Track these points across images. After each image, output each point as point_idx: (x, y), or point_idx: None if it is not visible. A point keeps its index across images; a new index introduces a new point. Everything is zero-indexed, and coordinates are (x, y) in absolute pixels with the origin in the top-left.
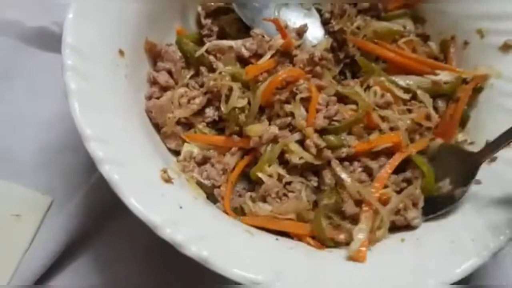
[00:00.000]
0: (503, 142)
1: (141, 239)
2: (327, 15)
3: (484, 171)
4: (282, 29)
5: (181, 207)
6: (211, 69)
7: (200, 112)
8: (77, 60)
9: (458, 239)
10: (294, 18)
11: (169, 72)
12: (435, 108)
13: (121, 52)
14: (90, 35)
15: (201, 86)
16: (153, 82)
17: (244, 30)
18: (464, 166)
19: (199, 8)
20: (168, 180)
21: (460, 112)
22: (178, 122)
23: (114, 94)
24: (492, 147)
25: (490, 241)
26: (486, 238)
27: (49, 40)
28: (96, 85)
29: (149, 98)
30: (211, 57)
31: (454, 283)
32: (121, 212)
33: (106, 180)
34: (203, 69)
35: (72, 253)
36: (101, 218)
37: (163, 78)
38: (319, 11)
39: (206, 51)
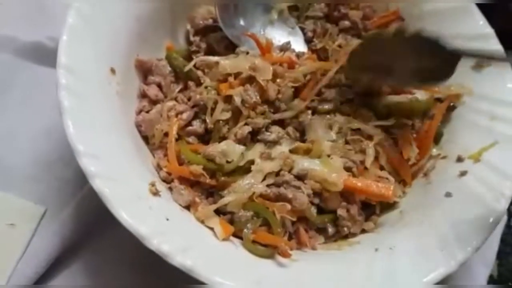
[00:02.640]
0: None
1: (130, 248)
2: (309, 34)
3: (455, 184)
4: (260, 44)
5: (167, 219)
6: (199, 84)
7: (187, 125)
8: (71, 79)
9: (428, 248)
10: (278, 36)
11: (159, 86)
12: (412, 125)
13: (112, 70)
14: (83, 55)
15: (189, 99)
16: (143, 96)
17: (231, 47)
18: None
19: (188, 26)
20: (156, 193)
21: (435, 129)
22: (166, 134)
23: (106, 111)
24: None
25: (458, 251)
26: (454, 249)
27: (44, 55)
28: (89, 103)
29: (139, 111)
30: (199, 72)
31: None
32: (112, 222)
33: (97, 193)
34: (191, 83)
35: (65, 261)
36: (92, 227)
37: (152, 91)
38: (302, 29)
39: (195, 66)
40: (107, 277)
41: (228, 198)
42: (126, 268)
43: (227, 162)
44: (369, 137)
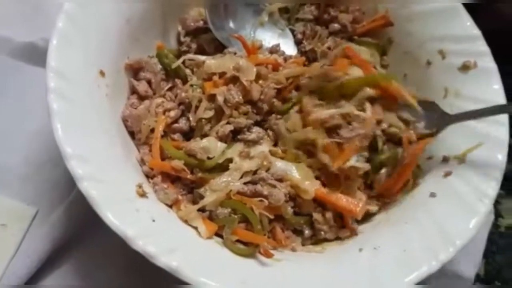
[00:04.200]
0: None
1: (120, 248)
2: (299, 36)
3: (440, 185)
4: (246, 46)
5: (153, 220)
6: (186, 82)
7: (173, 122)
8: (60, 82)
9: (411, 248)
10: (268, 38)
11: (149, 83)
12: None
13: (101, 73)
14: (72, 58)
15: (176, 97)
16: (133, 92)
17: (221, 49)
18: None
19: (179, 28)
20: (143, 195)
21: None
22: (153, 130)
23: (95, 113)
24: (464, 116)
25: (440, 251)
26: (437, 249)
27: (37, 55)
28: (78, 106)
29: (128, 107)
30: (187, 70)
31: None
32: (102, 223)
33: (85, 196)
34: (178, 81)
35: (56, 261)
36: (83, 227)
37: (142, 87)
38: (292, 31)
39: (184, 64)
40: (97, 278)
41: (208, 199)
42: (116, 268)
43: (208, 158)
44: None
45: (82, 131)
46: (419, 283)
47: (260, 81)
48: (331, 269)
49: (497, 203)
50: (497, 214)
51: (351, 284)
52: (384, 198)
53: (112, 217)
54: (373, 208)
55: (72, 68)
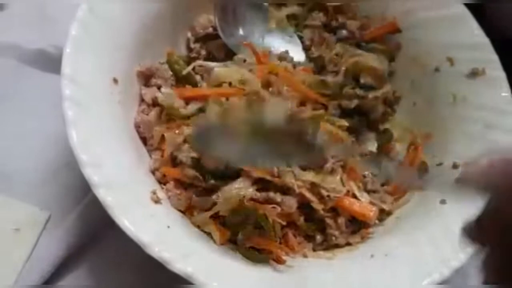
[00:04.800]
0: None
1: (133, 251)
2: (307, 42)
3: (450, 192)
4: (256, 52)
5: (168, 227)
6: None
7: None
8: (74, 90)
9: (422, 255)
10: (277, 45)
11: (159, 89)
12: None
13: (115, 80)
14: (86, 66)
15: None
16: (142, 99)
17: (230, 55)
18: None
19: (189, 34)
20: (157, 201)
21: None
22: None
23: (108, 120)
24: None
25: (451, 258)
26: (448, 256)
27: (47, 62)
28: (92, 113)
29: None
30: (198, 77)
31: None
32: (115, 227)
33: (101, 202)
34: (188, 87)
35: (68, 265)
36: (96, 232)
37: (149, 95)
38: (300, 38)
39: (193, 70)
40: (110, 281)
41: (222, 206)
42: (129, 272)
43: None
44: None
45: (96, 138)
46: None
47: (271, 89)
48: (343, 274)
49: None
50: None
51: (361, 282)
52: (394, 195)
53: (128, 223)
54: (388, 205)
55: (86, 76)
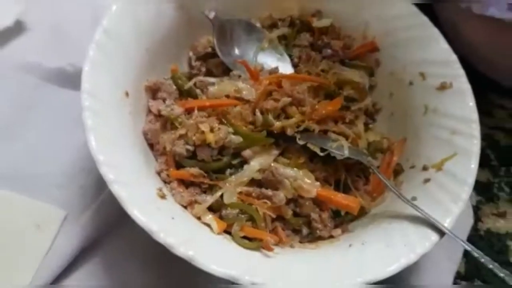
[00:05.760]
0: None
1: (143, 245)
2: (296, 60)
3: (420, 190)
4: (249, 69)
5: (173, 218)
6: None
7: None
8: (92, 102)
9: (393, 243)
10: (269, 62)
11: (164, 101)
12: None
13: (126, 94)
14: (102, 82)
15: None
16: (150, 110)
17: (227, 71)
18: None
19: (191, 53)
20: (163, 197)
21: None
22: None
23: (120, 127)
24: None
25: (417, 246)
26: (415, 243)
27: (66, 79)
28: (107, 121)
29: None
30: (198, 91)
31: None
32: (126, 222)
33: (115, 196)
34: (190, 100)
35: (84, 258)
36: (109, 228)
37: (155, 107)
38: (290, 56)
39: (195, 85)
40: (122, 272)
41: (214, 198)
42: (140, 264)
43: (213, 160)
44: None
45: (111, 143)
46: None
47: (269, 99)
48: (324, 258)
49: (477, 208)
50: (477, 219)
51: (338, 272)
52: (374, 193)
53: (139, 214)
54: (367, 204)
55: (102, 90)
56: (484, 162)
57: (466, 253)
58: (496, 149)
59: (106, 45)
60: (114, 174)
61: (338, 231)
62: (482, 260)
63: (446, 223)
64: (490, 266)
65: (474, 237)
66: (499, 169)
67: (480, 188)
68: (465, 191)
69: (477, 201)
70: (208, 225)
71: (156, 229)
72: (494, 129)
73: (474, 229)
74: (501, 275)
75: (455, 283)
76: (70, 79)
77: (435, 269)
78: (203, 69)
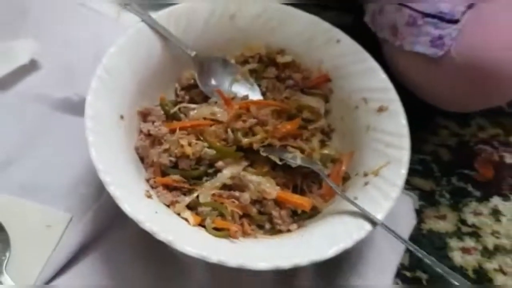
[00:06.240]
0: None
1: (140, 242)
2: (264, 89)
3: (360, 191)
4: (224, 96)
5: (156, 212)
6: None
7: None
8: (93, 124)
9: (335, 232)
10: (241, 91)
11: (153, 123)
12: None
13: (121, 117)
14: (102, 108)
15: None
16: (141, 131)
17: (207, 99)
18: None
19: (176, 84)
20: (149, 197)
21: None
22: None
23: (116, 144)
24: None
25: (354, 233)
26: (352, 232)
27: (72, 107)
28: (105, 139)
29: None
30: (182, 115)
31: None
32: (120, 222)
33: (111, 195)
34: (175, 122)
35: (85, 252)
36: (105, 227)
37: (146, 128)
38: (259, 86)
39: (179, 110)
40: (117, 263)
41: (199, 199)
42: (132, 254)
43: (192, 169)
44: None
45: (108, 155)
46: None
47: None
48: (278, 244)
49: (420, 212)
50: (420, 220)
51: (289, 253)
52: (326, 196)
53: (129, 208)
54: (319, 204)
55: (102, 114)
56: (428, 174)
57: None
58: (439, 163)
59: (106, 79)
60: (110, 178)
61: (295, 226)
62: (407, 245)
63: (379, 216)
64: (419, 254)
65: (418, 235)
66: (441, 179)
67: (424, 195)
68: (395, 191)
69: (420, 205)
70: (186, 219)
71: (143, 219)
72: (439, 146)
73: (418, 228)
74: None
75: (398, 272)
76: (76, 107)
77: (381, 260)
78: (187, 97)
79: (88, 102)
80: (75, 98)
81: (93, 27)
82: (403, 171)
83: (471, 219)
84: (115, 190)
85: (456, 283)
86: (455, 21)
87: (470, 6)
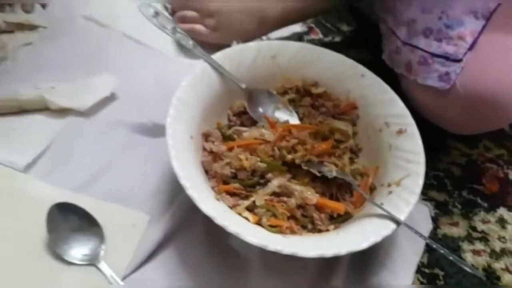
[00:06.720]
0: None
1: (206, 239)
2: (301, 115)
3: (385, 199)
4: (269, 121)
5: (224, 211)
6: None
7: None
8: (173, 141)
9: (366, 229)
10: (282, 117)
11: (213, 143)
12: None
13: (191, 137)
14: (178, 129)
15: None
16: (204, 149)
17: (255, 123)
18: None
19: (229, 111)
20: (218, 199)
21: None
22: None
23: (190, 158)
24: None
25: (382, 230)
26: (380, 229)
27: (146, 130)
28: (182, 154)
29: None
30: (235, 136)
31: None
32: (193, 224)
33: (190, 197)
34: (230, 142)
35: (164, 248)
36: (180, 227)
37: (208, 147)
38: (297, 113)
39: (233, 132)
40: (190, 257)
41: (249, 202)
42: (203, 250)
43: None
44: None
45: (186, 166)
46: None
47: (283, 140)
48: (320, 240)
49: (436, 219)
50: (436, 227)
51: (328, 246)
52: (357, 203)
53: (205, 207)
54: (351, 210)
55: (178, 134)
56: (442, 187)
57: (428, 248)
58: (452, 178)
59: (179, 106)
60: (189, 183)
61: (332, 226)
62: (430, 243)
63: (402, 217)
64: (445, 252)
65: (434, 239)
66: (453, 192)
67: (439, 205)
68: (414, 198)
69: (435, 213)
70: (246, 218)
71: (216, 216)
72: (451, 164)
73: (434, 233)
74: (451, 258)
75: (418, 269)
76: (149, 130)
77: (404, 258)
78: (238, 122)
79: (168, 125)
80: (148, 123)
81: (158, 65)
82: (420, 181)
83: (480, 226)
84: (193, 192)
85: (479, 275)
86: (459, 60)
87: (470, 48)
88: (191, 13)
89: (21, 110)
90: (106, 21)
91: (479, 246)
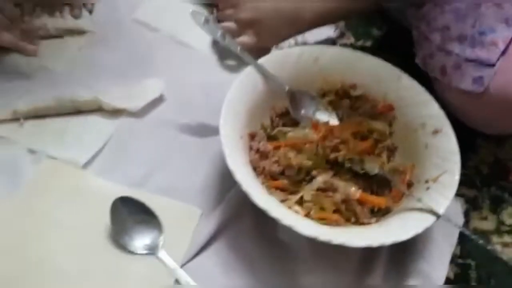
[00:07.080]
0: None
1: (256, 232)
2: (340, 116)
3: (424, 194)
4: (312, 122)
5: (277, 205)
6: None
7: None
8: (226, 140)
9: (407, 222)
10: (323, 118)
11: (259, 142)
12: None
13: (241, 137)
14: (229, 130)
15: None
16: (251, 148)
17: (296, 124)
18: None
19: (273, 112)
20: (270, 194)
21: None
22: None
23: (241, 156)
24: None
25: (422, 222)
26: (421, 221)
27: (192, 130)
28: (234, 152)
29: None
30: (278, 136)
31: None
32: (243, 218)
33: (245, 192)
34: (274, 142)
35: (215, 240)
36: (231, 221)
37: (255, 146)
38: (336, 114)
39: (276, 133)
40: (241, 247)
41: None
42: (253, 241)
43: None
44: None
45: (238, 163)
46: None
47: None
48: (365, 231)
49: (466, 214)
50: (467, 220)
51: (373, 237)
52: (396, 198)
53: (259, 201)
54: (390, 204)
55: (229, 134)
56: (472, 184)
57: (460, 241)
58: (481, 176)
59: (229, 108)
60: (243, 179)
61: (374, 219)
62: (467, 233)
63: (440, 211)
64: (480, 241)
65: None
66: (482, 189)
67: (469, 201)
68: (451, 193)
69: (466, 208)
70: (296, 212)
71: (270, 209)
72: (480, 162)
73: (465, 227)
74: (489, 247)
75: (452, 259)
76: (195, 130)
77: (439, 249)
78: (281, 123)
79: (221, 125)
80: (193, 124)
81: (204, 68)
82: (457, 177)
83: (508, 220)
84: (247, 187)
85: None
86: (492, 65)
87: (503, 54)
88: (232, 25)
89: (77, 111)
90: (154, 24)
91: (507, 239)
